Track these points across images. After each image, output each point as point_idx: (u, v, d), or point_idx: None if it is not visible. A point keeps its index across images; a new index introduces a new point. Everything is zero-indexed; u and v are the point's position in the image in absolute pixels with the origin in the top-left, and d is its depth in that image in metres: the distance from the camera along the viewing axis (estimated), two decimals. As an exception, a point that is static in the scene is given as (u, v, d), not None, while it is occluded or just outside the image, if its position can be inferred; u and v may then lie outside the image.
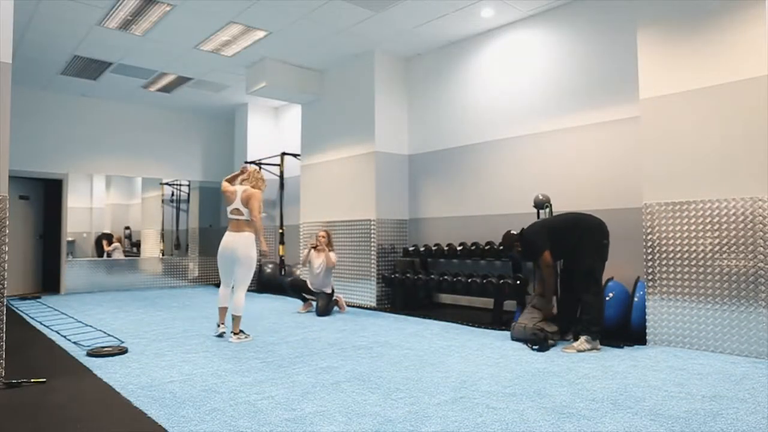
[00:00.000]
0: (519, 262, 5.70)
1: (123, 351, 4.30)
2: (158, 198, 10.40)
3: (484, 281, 5.71)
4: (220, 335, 4.93)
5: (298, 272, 6.97)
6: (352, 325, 5.62)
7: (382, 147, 7.27)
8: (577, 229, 4.49)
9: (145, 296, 8.58)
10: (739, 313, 4.00)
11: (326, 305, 6.42)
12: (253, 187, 5.00)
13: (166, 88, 8.96)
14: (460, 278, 6.00)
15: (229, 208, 4.94)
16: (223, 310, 5.02)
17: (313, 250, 6.72)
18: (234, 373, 3.65)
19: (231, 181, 5.09)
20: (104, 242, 9.68)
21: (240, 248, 4.83)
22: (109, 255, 9.64)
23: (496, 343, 4.59)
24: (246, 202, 4.90)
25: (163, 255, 10.33)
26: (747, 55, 4.04)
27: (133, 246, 10.09)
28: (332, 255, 6.63)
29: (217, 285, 10.15)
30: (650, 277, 4.49)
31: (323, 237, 6.72)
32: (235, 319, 4.85)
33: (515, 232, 4.90)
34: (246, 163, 9.75)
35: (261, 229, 5.01)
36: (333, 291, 6.71)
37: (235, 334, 4.81)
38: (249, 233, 4.91)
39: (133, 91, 9.07)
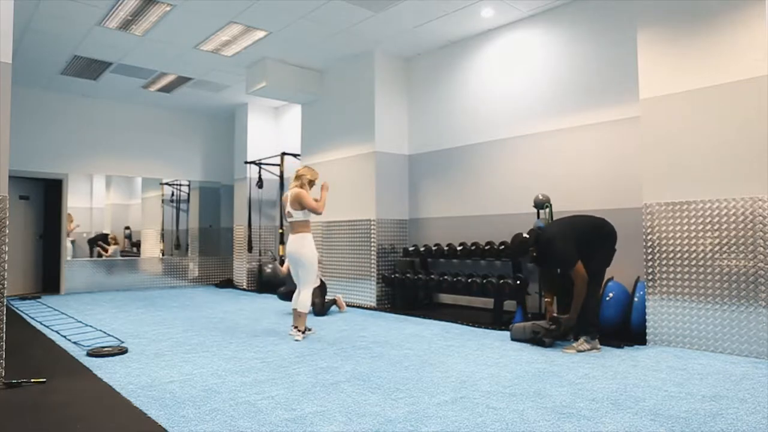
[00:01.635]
0: (521, 263, 5.67)
1: (123, 351, 4.30)
2: (158, 198, 10.39)
3: (484, 281, 5.71)
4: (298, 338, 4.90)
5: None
6: (352, 325, 5.62)
7: (382, 147, 7.27)
8: (600, 234, 4.38)
9: (145, 296, 8.58)
10: (739, 313, 4.00)
11: (322, 305, 6.39)
12: (300, 186, 5.07)
13: (166, 88, 8.96)
14: (460, 278, 6.00)
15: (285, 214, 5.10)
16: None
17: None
18: (234, 373, 3.65)
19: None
20: (110, 241, 9.73)
21: (298, 250, 4.97)
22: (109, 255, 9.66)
23: (496, 343, 4.59)
24: (294, 203, 4.98)
25: (163, 255, 10.33)
26: (747, 56, 4.04)
27: (133, 246, 10.09)
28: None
29: (218, 285, 10.23)
30: (650, 277, 4.49)
31: None
32: (302, 316, 4.95)
33: (527, 236, 4.52)
34: (246, 162, 9.77)
35: (321, 206, 4.96)
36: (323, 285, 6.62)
37: (300, 331, 4.91)
38: (304, 233, 5.02)
39: (133, 91, 9.07)
